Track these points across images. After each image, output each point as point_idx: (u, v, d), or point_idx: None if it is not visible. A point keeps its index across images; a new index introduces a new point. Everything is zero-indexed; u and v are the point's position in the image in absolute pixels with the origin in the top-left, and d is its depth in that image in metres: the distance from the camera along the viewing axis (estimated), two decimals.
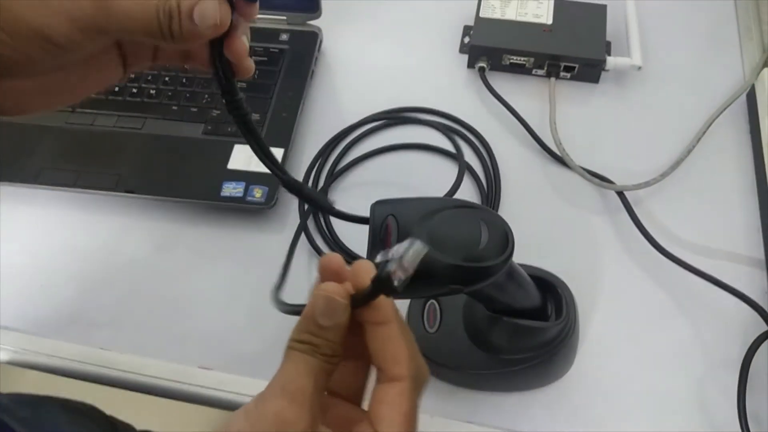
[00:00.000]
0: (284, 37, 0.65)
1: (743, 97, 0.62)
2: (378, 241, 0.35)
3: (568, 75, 0.63)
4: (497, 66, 0.63)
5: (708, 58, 0.65)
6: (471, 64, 0.64)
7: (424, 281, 0.34)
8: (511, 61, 0.62)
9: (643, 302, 0.51)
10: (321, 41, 0.66)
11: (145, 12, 0.28)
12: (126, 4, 0.28)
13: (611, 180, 0.56)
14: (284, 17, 0.65)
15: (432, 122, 0.61)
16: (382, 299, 0.29)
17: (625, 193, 0.55)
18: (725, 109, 0.59)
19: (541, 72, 0.63)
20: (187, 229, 0.56)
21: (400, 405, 0.29)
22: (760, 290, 0.51)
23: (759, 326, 0.48)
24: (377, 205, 0.36)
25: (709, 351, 0.49)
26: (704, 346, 0.49)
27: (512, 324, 0.41)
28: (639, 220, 0.53)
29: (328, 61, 0.67)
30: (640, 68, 0.61)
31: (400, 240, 0.34)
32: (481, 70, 0.63)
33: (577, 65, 0.61)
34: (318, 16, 0.65)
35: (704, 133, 0.58)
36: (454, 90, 0.64)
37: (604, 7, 0.64)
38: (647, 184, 0.55)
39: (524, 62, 0.62)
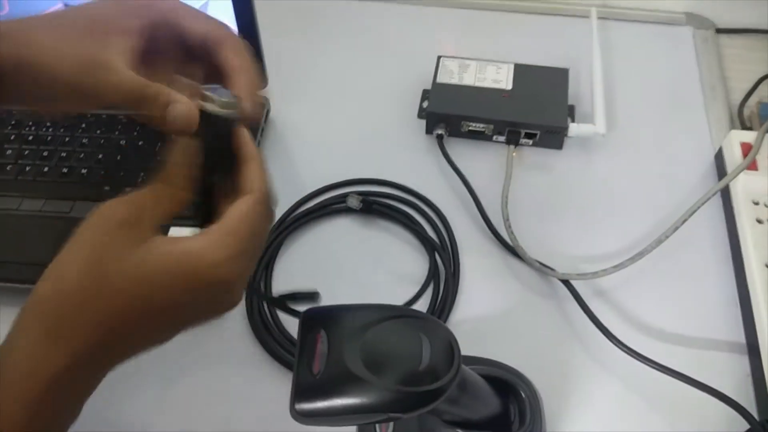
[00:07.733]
0: None
1: (711, 158, 0.59)
2: (305, 353, 0.30)
3: (530, 141, 0.59)
4: (456, 132, 0.60)
5: (673, 120, 0.63)
6: (429, 131, 0.61)
7: (359, 411, 0.29)
8: (470, 128, 0.59)
9: (613, 401, 0.46)
10: (268, 111, 0.62)
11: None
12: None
13: (556, 269, 0.51)
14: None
15: (395, 196, 0.57)
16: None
17: (573, 282, 0.50)
18: (698, 208, 0.51)
19: (501, 138, 0.60)
20: None
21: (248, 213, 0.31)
22: (742, 374, 0.47)
23: (740, 422, 0.44)
24: (307, 317, 0.32)
25: None
26: None
27: None
28: (592, 313, 0.48)
29: (279, 131, 0.63)
30: (603, 135, 0.59)
31: (330, 354, 0.30)
32: (439, 137, 0.60)
33: (538, 132, 0.58)
34: (264, 86, 0.61)
35: (682, 222, 0.50)
36: (413, 160, 0.60)
37: (566, 71, 0.61)
38: (605, 272, 0.49)
39: (483, 129, 0.59)
